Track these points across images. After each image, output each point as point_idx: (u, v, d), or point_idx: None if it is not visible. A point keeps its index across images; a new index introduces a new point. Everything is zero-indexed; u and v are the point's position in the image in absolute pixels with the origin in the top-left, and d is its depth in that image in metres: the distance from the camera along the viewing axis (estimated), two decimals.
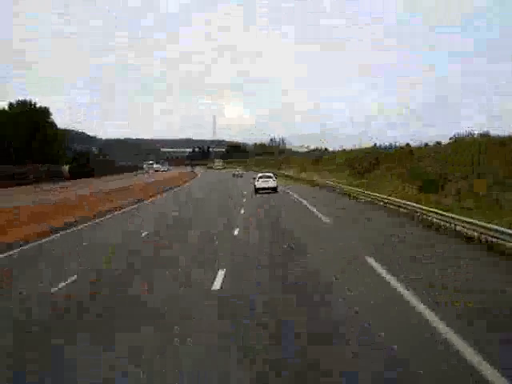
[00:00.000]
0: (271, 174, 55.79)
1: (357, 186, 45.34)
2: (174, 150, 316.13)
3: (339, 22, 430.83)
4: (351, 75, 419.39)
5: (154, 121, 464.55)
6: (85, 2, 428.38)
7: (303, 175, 77.82)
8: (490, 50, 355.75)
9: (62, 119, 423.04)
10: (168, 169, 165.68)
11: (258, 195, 48.88)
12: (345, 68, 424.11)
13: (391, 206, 31.31)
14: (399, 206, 29.83)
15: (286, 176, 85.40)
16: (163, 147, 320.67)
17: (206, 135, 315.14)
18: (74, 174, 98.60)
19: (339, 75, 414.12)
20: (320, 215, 29.29)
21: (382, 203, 33.64)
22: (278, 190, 51.47)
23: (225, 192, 55.53)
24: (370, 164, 55.75)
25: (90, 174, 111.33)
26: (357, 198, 39.90)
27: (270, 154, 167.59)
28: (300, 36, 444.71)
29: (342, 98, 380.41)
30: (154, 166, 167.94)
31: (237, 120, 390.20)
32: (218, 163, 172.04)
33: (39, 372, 8.20)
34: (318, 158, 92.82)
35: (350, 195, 43.05)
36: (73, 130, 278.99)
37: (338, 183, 51.39)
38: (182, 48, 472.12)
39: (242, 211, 33.89)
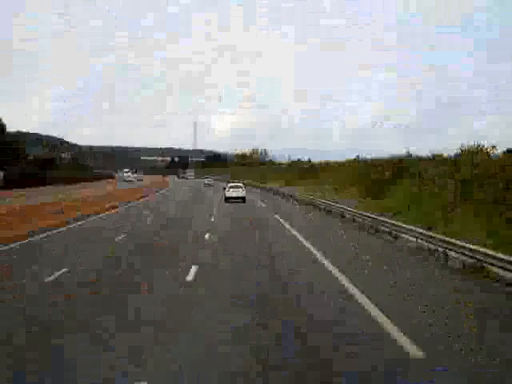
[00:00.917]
0: (241, 184, 57.07)
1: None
2: (155, 158, 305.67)
3: (339, 22, 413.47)
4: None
5: (137, 130, 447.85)
6: (85, 2, 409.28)
7: (300, 191, 59.77)
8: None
9: (42, 125, 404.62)
10: (139, 178, 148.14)
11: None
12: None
13: None
14: None
15: (276, 193, 67.94)
16: (144, 156, 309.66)
17: (188, 145, 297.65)
18: (12, 182, 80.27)
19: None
20: None
21: None
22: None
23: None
24: (389, 177, 38.57)
25: (42, 182, 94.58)
26: None
27: (250, 165, 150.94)
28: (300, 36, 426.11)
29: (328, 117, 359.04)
30: (124, 174, 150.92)
31: (221, 132, 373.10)
32: (190, 173, 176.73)
33: None
34: (311, 169, 75.10)
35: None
36: (49, 136, 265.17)
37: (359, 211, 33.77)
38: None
39: None
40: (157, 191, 79.66)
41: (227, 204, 49.02)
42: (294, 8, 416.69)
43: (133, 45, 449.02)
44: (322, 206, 40.02)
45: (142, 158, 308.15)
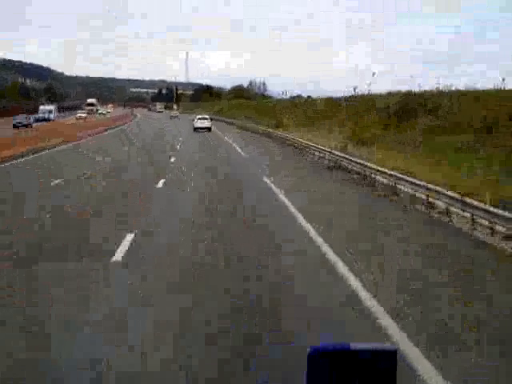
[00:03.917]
0: (207, 116, 64.76)
1: None
2: (141, 90, 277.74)
3: None
4: None
5: (129, 61, 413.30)
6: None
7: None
8: None
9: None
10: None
11: None
12: None
13: None
14: None
15: None
16: (132, 87, 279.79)
17: (182, 78, 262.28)
18: None
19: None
20: None
21: None
22: None
23: None
24: None
25: None
26: None
27: (247, 99, 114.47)
28: None
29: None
30: (41, 107, 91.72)
31: (218, 65, 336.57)
32: (159, 106, 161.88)
33: None
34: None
35: None
36: (33, 64, 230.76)
37: None
38: None
39: None
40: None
41: None
42: None
43: None
44: None
45: (130, 89, 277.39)
